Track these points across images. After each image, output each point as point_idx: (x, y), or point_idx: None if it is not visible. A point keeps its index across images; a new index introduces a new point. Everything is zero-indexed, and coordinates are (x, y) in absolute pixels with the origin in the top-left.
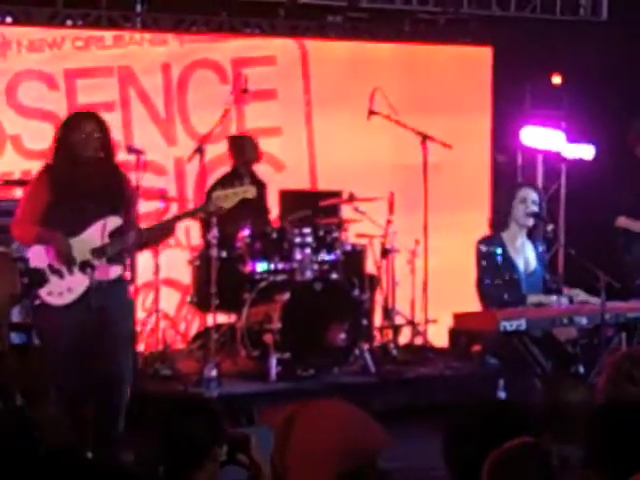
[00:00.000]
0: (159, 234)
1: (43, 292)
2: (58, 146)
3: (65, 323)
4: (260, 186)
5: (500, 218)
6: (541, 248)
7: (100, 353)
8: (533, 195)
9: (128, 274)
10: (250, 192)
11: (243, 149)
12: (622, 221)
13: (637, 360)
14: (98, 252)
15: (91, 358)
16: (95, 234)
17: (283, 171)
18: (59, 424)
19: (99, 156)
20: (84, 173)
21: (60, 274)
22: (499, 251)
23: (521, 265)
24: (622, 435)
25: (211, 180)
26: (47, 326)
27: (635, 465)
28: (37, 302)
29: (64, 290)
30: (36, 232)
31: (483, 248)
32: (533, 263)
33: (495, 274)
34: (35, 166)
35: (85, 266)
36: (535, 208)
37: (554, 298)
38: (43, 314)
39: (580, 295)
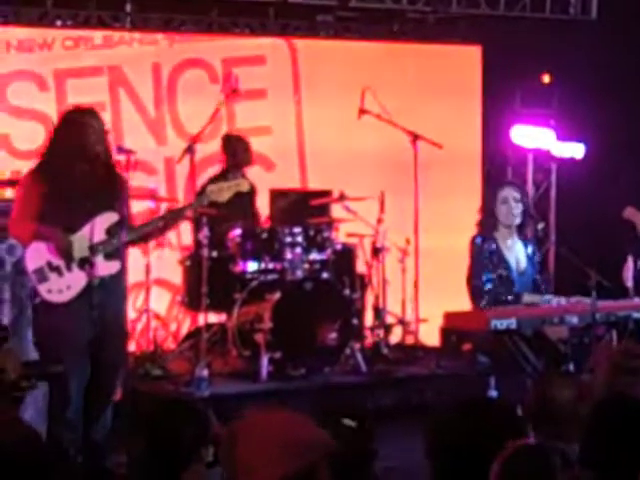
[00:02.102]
0: (154, 230)
1: (43, 290)
2: (57, 141)
3: (65, 320)
4: (250, 190)
5: (489, 219)
6: (531, 249)
7: (98, 348)
8: (514, 194)
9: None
10: (243, 185)
11: (236, 151)
12: (629, 212)
13: (635, 354)
14: (96, 248)
15: (90, 353)
16: (93, 231)
17: (273, 170)
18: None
19: (99, 152)
20: (81, 169)
21: (59, 271)
22: (493, 247)
23: (513, 264)
24: (623, 432)
25: (201, 180)
26: (47, 324)
27: (635, 462)
28: (37, 300)
29: (64, 287)
30: (34, 229)
31: (478, 243)
32: (524, 263)
33: (488, 270)
34: (25, 166)
35: (84, 263)
36: (518, 206)
37: (549, 297)
38: (44, 312)
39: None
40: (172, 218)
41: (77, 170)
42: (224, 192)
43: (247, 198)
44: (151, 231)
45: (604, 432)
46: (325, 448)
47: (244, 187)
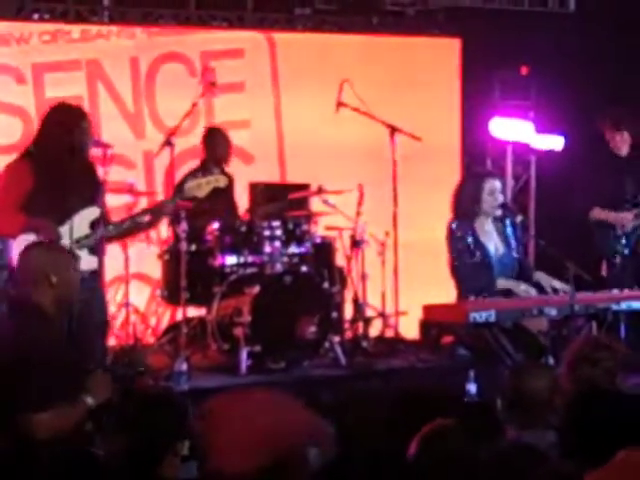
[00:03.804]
0: (136, 225)
1: None
2: (46, 134)
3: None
4: (227, 182)
5: (468, 208)
6: (510, 229)
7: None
8: (499, 185)
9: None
10: (221, 181)
11: (217, 145)
12: (597, 213)
13: (599, 345)
14: (81, 242)
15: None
16: (78, 224)
17: (252, 164)
18: None
19: (85, 147)
20: (68, 163)
21: None
22: (470, 233)
23: (492, 249)
24: (600, 423)
25: (180, 174)
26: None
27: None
28: None
29: None
30: (23, 221)
31: (455, 229)
32: (501, 247)
33: (468, 255)
34: (2, 160)
35: None
36: (501, 198)
37: (523, 287)
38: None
39: (542, 279)
40: (153, 214)
41: (65, 164)
42: (203, 188)
43: (225, 192)
44: (133, 226)
45: (582, 424)
46: (309, 436)
47: (222, 182)
